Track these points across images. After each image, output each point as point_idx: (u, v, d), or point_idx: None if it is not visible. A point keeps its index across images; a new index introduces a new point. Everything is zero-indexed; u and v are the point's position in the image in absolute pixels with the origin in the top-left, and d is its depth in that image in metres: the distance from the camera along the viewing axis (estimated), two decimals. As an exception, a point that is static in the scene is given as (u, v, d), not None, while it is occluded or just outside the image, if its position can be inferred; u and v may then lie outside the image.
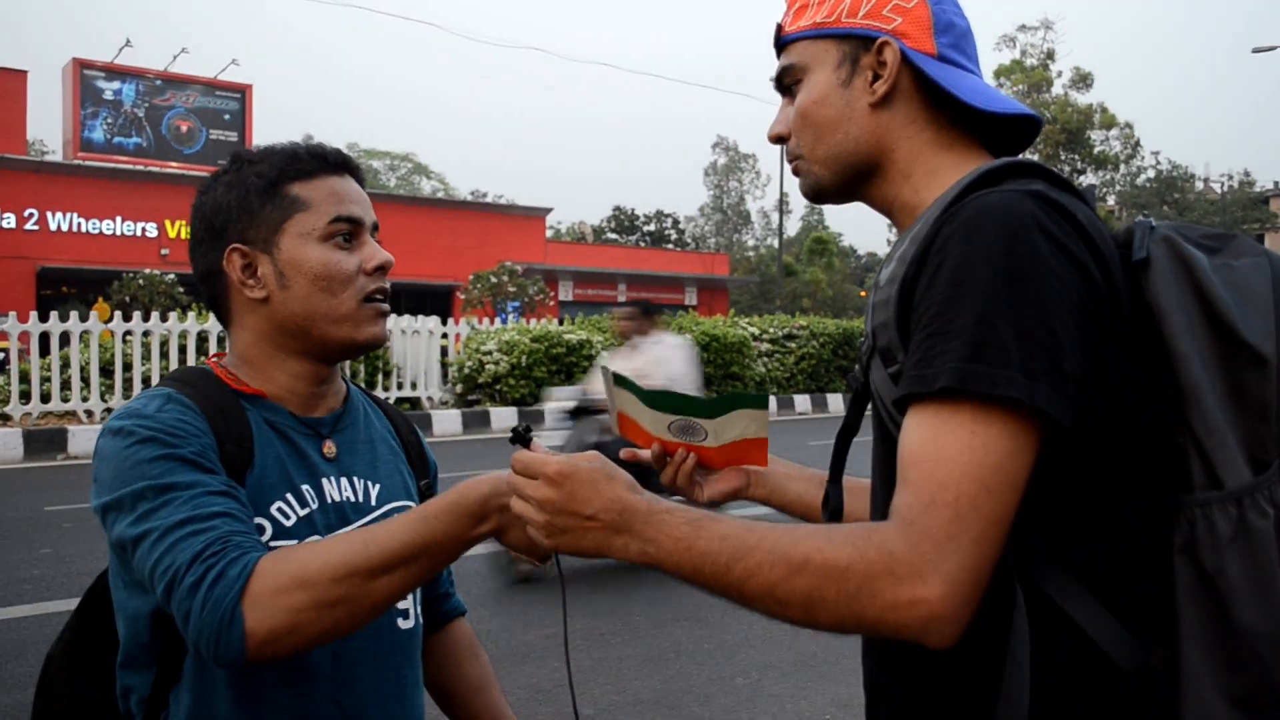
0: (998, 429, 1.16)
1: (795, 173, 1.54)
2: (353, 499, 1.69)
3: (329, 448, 1.70)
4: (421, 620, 1.83)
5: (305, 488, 1.63)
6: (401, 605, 1.74)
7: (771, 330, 24.44)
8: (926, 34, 1.43)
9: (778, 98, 1.56)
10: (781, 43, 1.52)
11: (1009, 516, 1.16)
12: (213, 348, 16.25)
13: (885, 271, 1.37)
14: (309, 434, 1.69)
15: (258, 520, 1.55)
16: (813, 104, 1.47)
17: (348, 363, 17.39)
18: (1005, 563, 1.20)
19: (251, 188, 1.65)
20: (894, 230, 1.49)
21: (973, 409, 1.16)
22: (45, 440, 14.20)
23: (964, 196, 1.29)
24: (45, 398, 15.40)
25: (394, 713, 1.69)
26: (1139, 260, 1.28)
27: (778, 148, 1.55)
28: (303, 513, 1.61)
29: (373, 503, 1.72)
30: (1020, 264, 1.19)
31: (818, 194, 1.53)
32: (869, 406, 1.47)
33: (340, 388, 1.78)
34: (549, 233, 50.59)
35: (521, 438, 1.41)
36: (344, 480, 1.69)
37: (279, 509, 1.59)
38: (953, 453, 1.16)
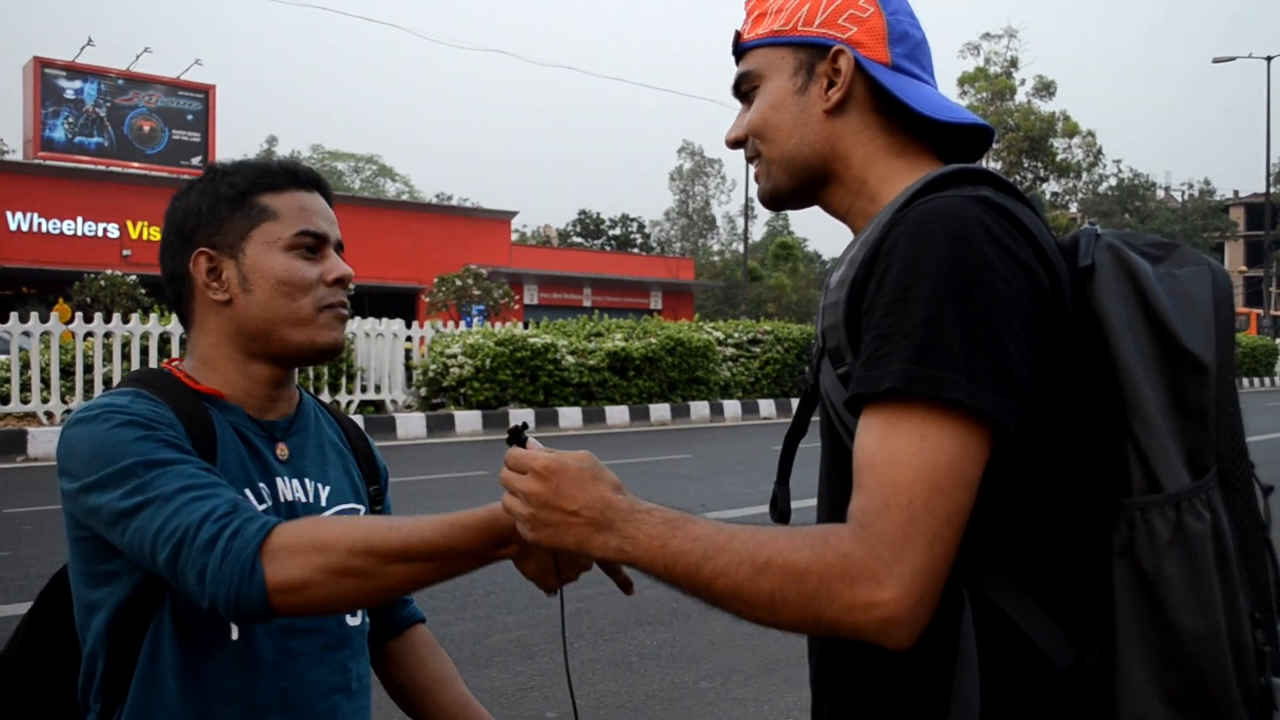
0: (947, 431, 1.18)
1: (755, 178, 1.56)
2: (303, 499, 1.73)
3: (282, 450, 1.74)
4: (369, 621, 1.86)
5: (261, 485, 1.67)
6: None
7: (736, 335, 24.46)
8: (881, 43, 1.45)
9: None
10: (740, 50, 1.55)
11: (962, 517, 1.18)
12: (175, 349, 16.12)
13: (836, 274, 1.40)
14: (264, 436, 1.73)
15: None
16: (769, 109, 1.50)
17: (310, 368, 17.29)
18: (952, 565, 1.21)
19: (222, 196, 1.71)
20: (854, 236, 1.51)
21: (922, 411, 1.19)
22: (4, 442, 14.03)
23: (913, 201, 1.31)
24: (5, 399, 15.23)
25: (339, 705, 1.72)
26: (1084, 267, 1.30)
27: (744, 155, 1.58)
28: (261, 508, 1.64)
29: (322, 503, 1.76)
30: (966, 268, 1.21)
31: (775, 199, 1.55)
32: (818, 408, 1.49)
33: (294, 393, 1.83)
34: (514, 236, 50.54)
35: (517, 436, 1.43)
36: (295, 481, 1.74)
37: None
38: (904, 456, 1.18)
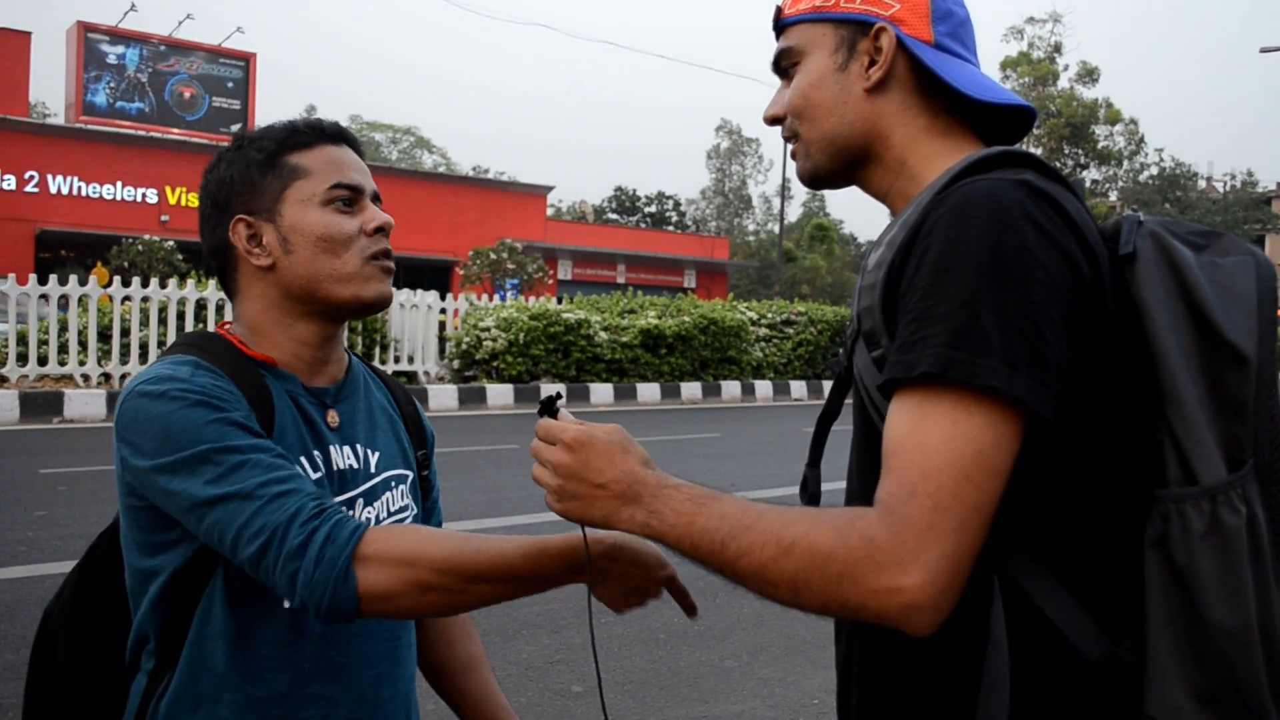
0: (980, 418, 1.16)
1: (793, 156, 1.55)
2: (354, 465, 1.73)
3: (332, 416, 1.74)
4: None
5: (315, 453, 1.68)
6: None
7: (770, 315, 24.45)
8: (924, 21, 1.43)
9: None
10: (780, 25, 1.53)
11: (991, 505, 1.17)
12: (211, 315, 16.23)
13: (874, 256, 1.38)
14: (316, 403, 1.72)
15: None
16: (809, 87, 1.48)
17: (344, 337, 17.36)
18: (983, 553, 1.21)
19: (252, 161, 1.70)
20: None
21: (955, 397, 1.17)
22: (42, 403, 14.20)
23: (954, 184, 1.29)
24: (43, 360, 15.40)
25: (385, 672, 1.73)
26: (1125, 254, 1.28)
27: (781, 133, 1.56)
28: (315, 476, 1.65)
29: (372, 469, 1.76)
30: (1006, 253, 1.19)
31: (814, 179, 1.54)
32: (851, 391, 1.48)
33: (343, 357, 1.82)
34: (549, 211, 50.50)
35: (549, 407, 1.44)
36: (346, 448, 1.73)
37: None
38: (935, 442, 1.17)
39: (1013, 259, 1.19)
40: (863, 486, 1.40)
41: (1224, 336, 1.22)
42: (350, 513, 1.61)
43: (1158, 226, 1.30)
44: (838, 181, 1.53)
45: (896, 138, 1.45)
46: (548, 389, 18.27)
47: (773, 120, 1.55)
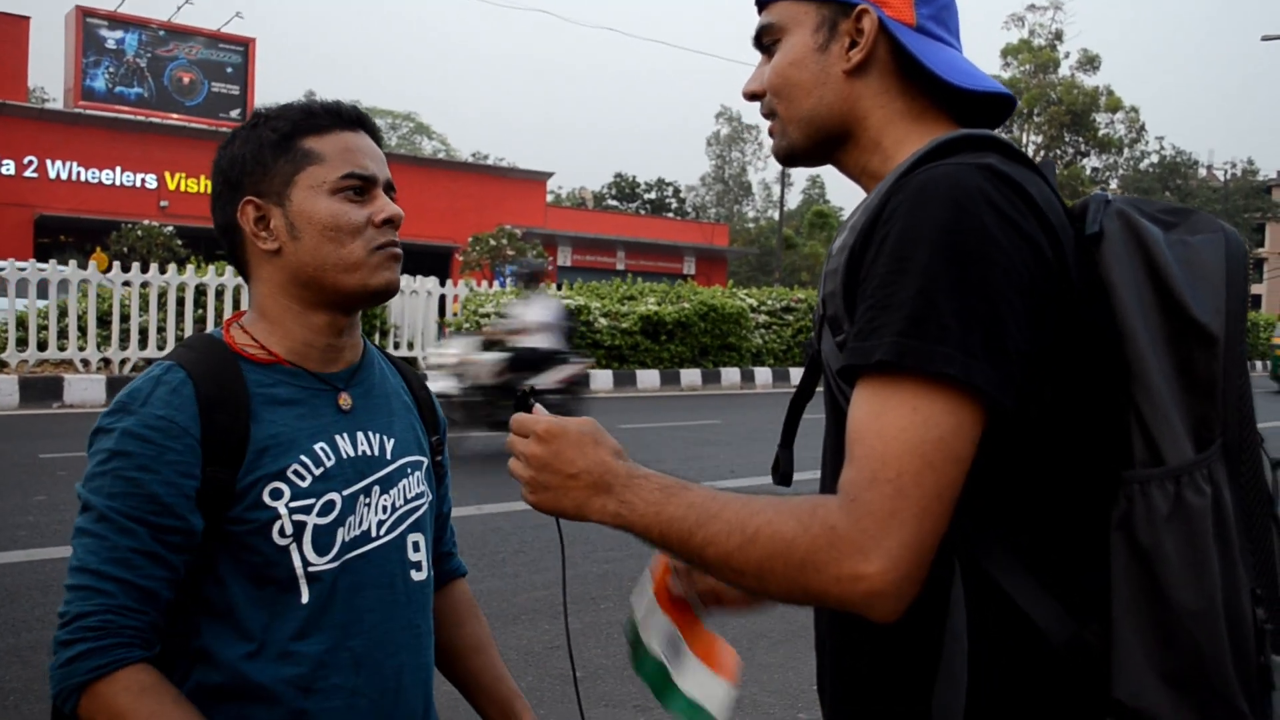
0: (939, 405, 1.16)
1: (770, 133, 1.53)
2: (369, 452, 1.73)
3: (345, 400, 1.73)
4: (432, 574, 1.86)
5: (320, 447, 1.66)
6: (415, 558, 1.78)
7: (769, 302, 24.45)
8: (907, 4, 1.42)
9: None
10: (763, 0, 1.51)
11: (953, 492, 1.17)
12: (211, 301, 16.22)
13: (838, 240, 1.38)
14: (326, 389, 1.71)
15: (274, 484, 1.60)
16: (788, 66, 1.46)
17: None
18: (945, 537, 1.20)
19: (265, 142, 1.68)
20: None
21: (914, 385, 1.17)
22: (41, 388, 14.21)
23: (917, 168, 1.28)
24: (42, 345, 15.39)
25: (406, 661, 1.73)
26: (1092, 234, 1.28)
27: (760, 110, 1.55)
28: (318, 471, 1.64)
29: (388, 456, 1.76)
30: (964, 239, 1.18)
31: (789, 157, 1.52)
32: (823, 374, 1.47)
33: (358, 342, 1.81)
34: (549, 197, 50.40)
35: (524, 401, 1.45)
36: (360, 434, 1.73)
37: (295, 471, 1.62)
38: (895, 429, 1.17)
39: (971, 244, 1.18)
40: (835, 471, 1.39)
41: (1191, 315, 1.22)
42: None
43: (1125, 205, 1.30)
44: (812, 160, 1.52)
45: (873, 120, 1.44)
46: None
47: (751, 96, 1.54)
